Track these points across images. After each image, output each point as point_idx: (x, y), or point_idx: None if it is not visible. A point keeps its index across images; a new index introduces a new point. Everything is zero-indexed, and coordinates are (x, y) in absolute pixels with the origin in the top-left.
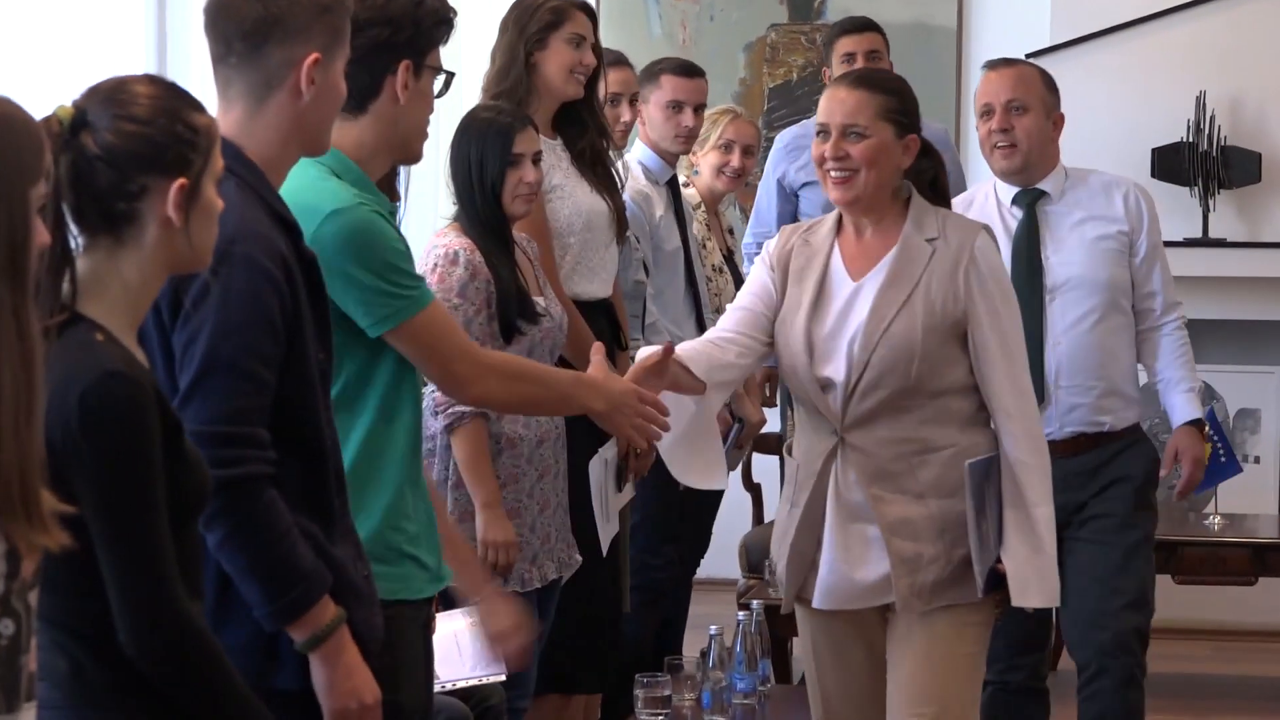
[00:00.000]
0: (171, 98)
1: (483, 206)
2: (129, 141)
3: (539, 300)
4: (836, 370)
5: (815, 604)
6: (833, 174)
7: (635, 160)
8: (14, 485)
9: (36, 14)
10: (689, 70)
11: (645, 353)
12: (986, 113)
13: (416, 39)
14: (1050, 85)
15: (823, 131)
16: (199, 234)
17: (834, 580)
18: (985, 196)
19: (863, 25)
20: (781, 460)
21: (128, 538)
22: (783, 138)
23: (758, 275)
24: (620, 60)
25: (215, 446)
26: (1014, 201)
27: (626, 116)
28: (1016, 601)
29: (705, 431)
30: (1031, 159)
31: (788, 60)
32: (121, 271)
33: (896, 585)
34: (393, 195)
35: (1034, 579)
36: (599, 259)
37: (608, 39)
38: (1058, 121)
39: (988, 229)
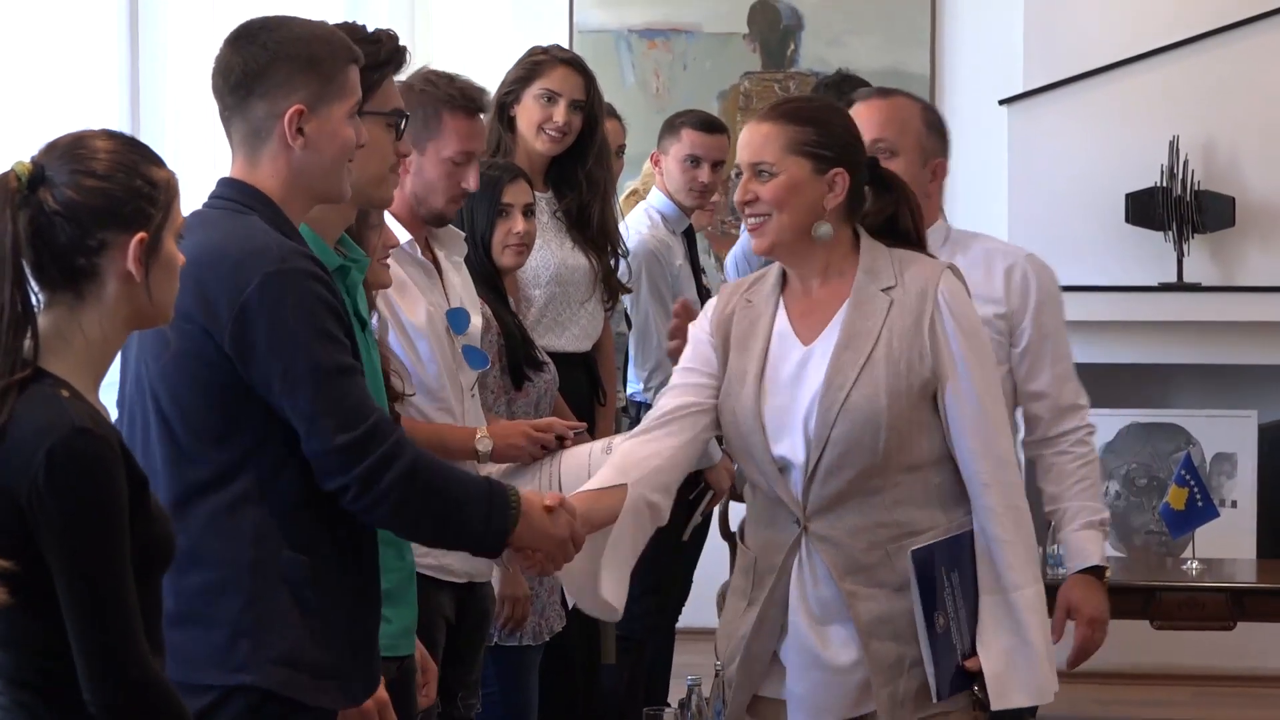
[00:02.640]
0: (130, 152)
1: (475, 257)
2: (88, 196)
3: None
4: (793, 450)
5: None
6: (748, 220)
7: (653, 209)
8: None
9: (7, 65)
10: (710, 126)
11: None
12: (738, 174)
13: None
14: (933, 125)
15: (738, 174)
16: (159, 288)
17: (803, 690)
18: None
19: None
20: (734, 535)
21: (94, 594)
22: None
23: (696, 343)
24: (610, 113)
25: (359, 455)
26: None
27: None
28: (996, 704)
29: (618, 541)
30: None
31: (761, 108)
32: (83, 327)
33: (877, 694)
34: (365, 246)
35: (1019, 674)
36: (570, 314)
37: None
38: (937, 171)
39: (952, 267)
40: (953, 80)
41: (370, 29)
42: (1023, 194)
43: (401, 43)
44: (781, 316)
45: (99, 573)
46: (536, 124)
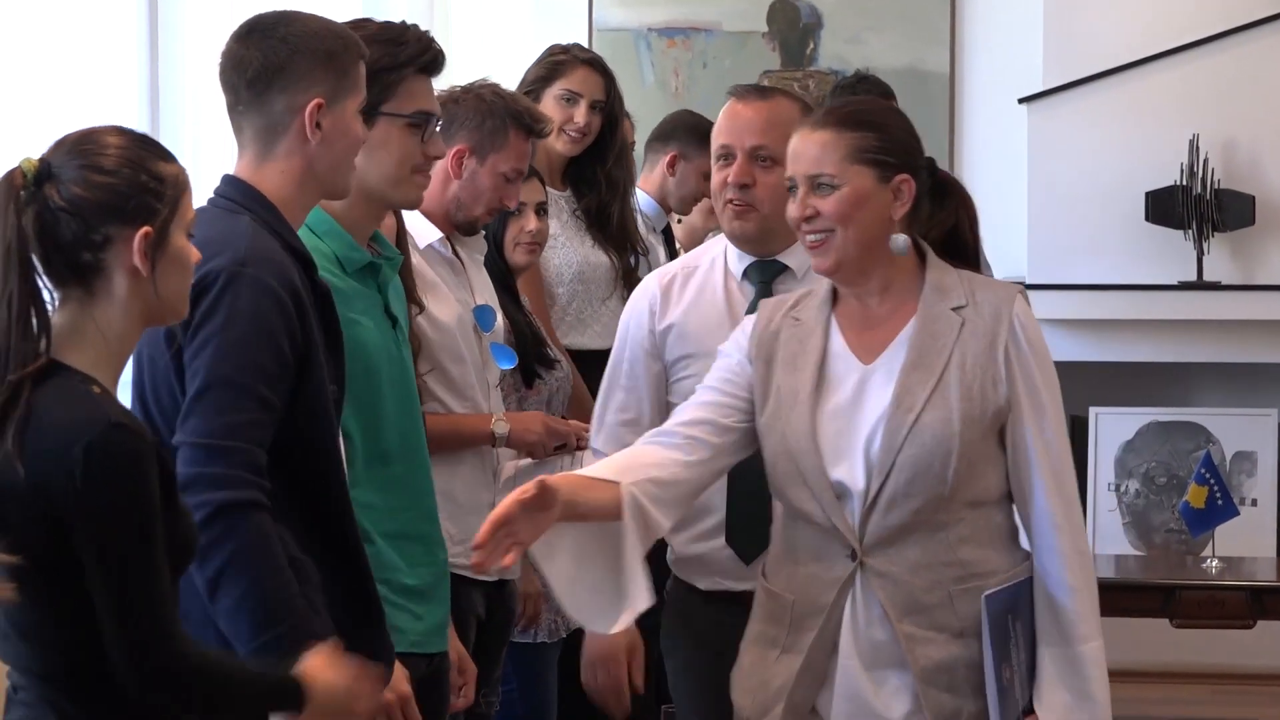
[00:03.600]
0: (137, 147)
1: (488, 256)
2: (92, 192)
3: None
4: (851, 475)
5: None
6: (807, 238)
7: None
8: None
9: (28, 63)
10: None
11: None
12: (724, 157)
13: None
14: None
15: (791, 187)
16: (167, 283)
17: None
18: (711, 263)
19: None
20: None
21: (132, 587)
22: None
23: (730, 365)
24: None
25: (208, 460)
26: (745, 274)
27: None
28: None
29: (615, 553)
30: (771, 223)
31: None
32: (98, 323)
33: None
34: (402, 246)
35: None
36: (592, 312)
37: None
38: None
39: (1023, 291)
40: (972, 79)
41: (401, 28)
42: (1042, 193)
43: (433, 45)
44: (836, 335)
45: (137, 565)
46: (557, 125)
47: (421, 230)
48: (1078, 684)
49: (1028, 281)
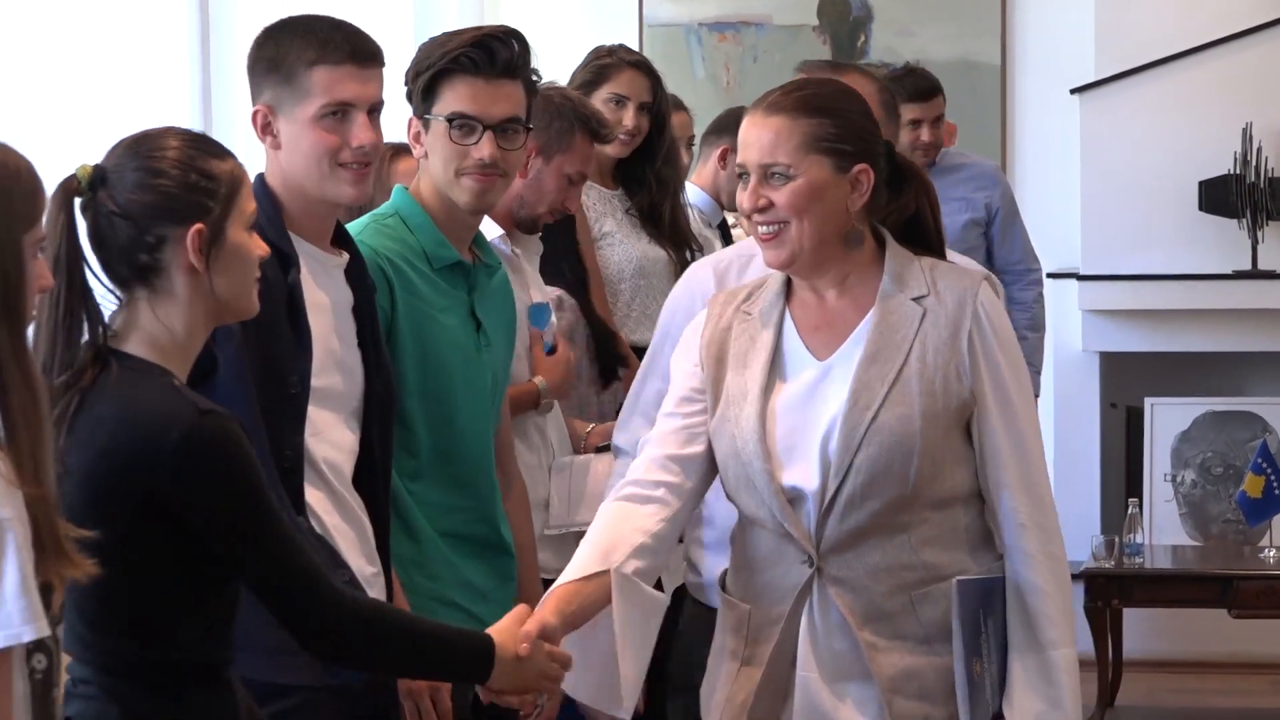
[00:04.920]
0: (190, 147)
1: (564, 258)
2: (143, 194)
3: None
4: (806, 477)
5: None
6: (759, 230)
7: (689, 203)
8: (39, 522)
9: (83, 65)
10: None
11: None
12: (742, 176)
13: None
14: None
15: (742, 174)
16: (224, 280)
17: None
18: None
19: (928, 91)
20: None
21: (270, 551)
22: None
23: (681, 375)
24: (677, 105)
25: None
26: None
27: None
28: None
29: (616, 643)
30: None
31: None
32: (164, 321)
33: None
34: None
35: None
36: (655, 306)
37: None
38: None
39: (989, 277)
40: (1024, 69)
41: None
42: (1095, 183)
43: (469, 47)
44: (790, 330)
45: (267, 530)
46: None
47: (483, 226)
48: (1048, 691)
49: (1081, 272)
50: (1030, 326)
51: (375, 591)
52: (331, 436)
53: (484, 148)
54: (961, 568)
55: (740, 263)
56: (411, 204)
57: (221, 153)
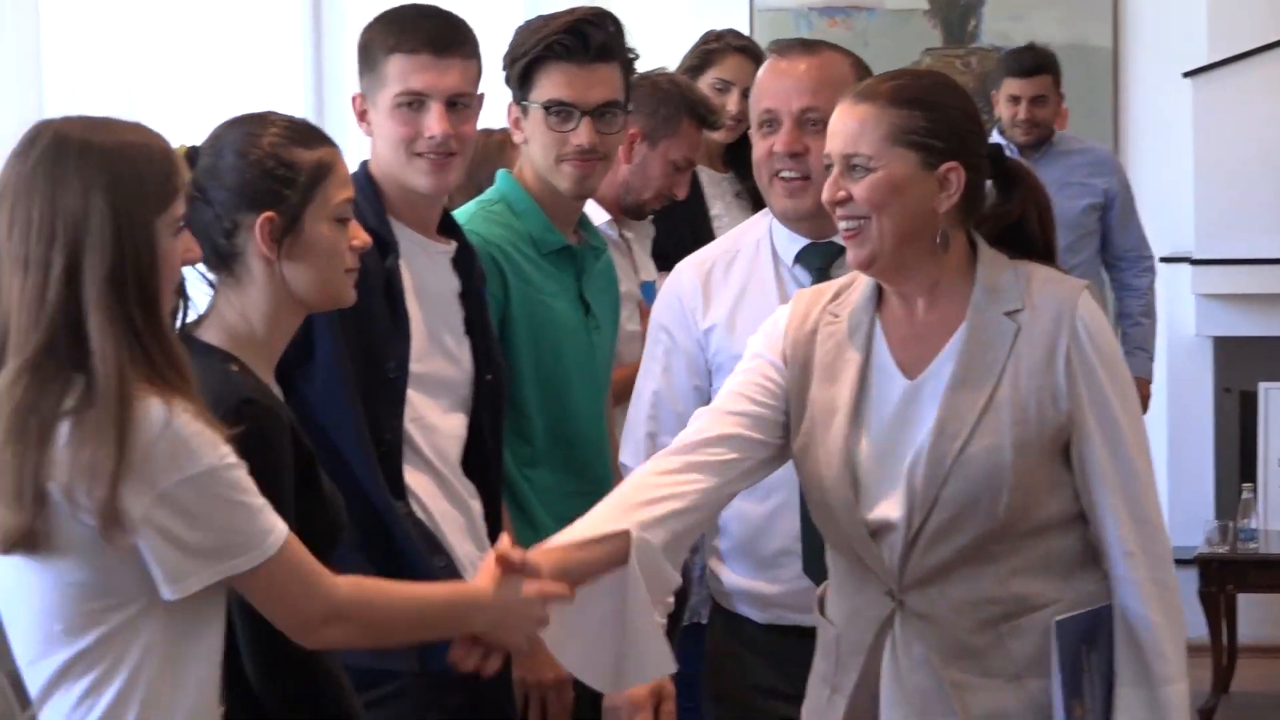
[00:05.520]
0: (278, 134)
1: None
2: (221, 178)
3: None
4: (892, 509)
5: None
6: (840, 225)
7: None
8: None
9: (200, 55)
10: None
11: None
12: (768, 123)
13: None
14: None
15: (828, 165)
16: (298, 270)
17: None
18: (755, 246)
19: (1030, 68)
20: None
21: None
22: None
23: (763, 369)
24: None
25: None
26: (798, 259)
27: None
28: None
29: (626, 612)
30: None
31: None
32: (243, 307)
33: None
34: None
35: None
36: None
37: None
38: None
39: (1089, 286)
40: (1136, 53)
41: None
42: (1208, 167)
43: (563, 33)
44: (879, 342)
45: None
46: None
47: (591, 212)
48: None
49: (1194, 257)
50: (1145, 313)
51: None
52: (437, 422)
53: (582, 134)
54: (1053, 596)
55: (725, 262)
56: (517, 189)
57: (312, 141)
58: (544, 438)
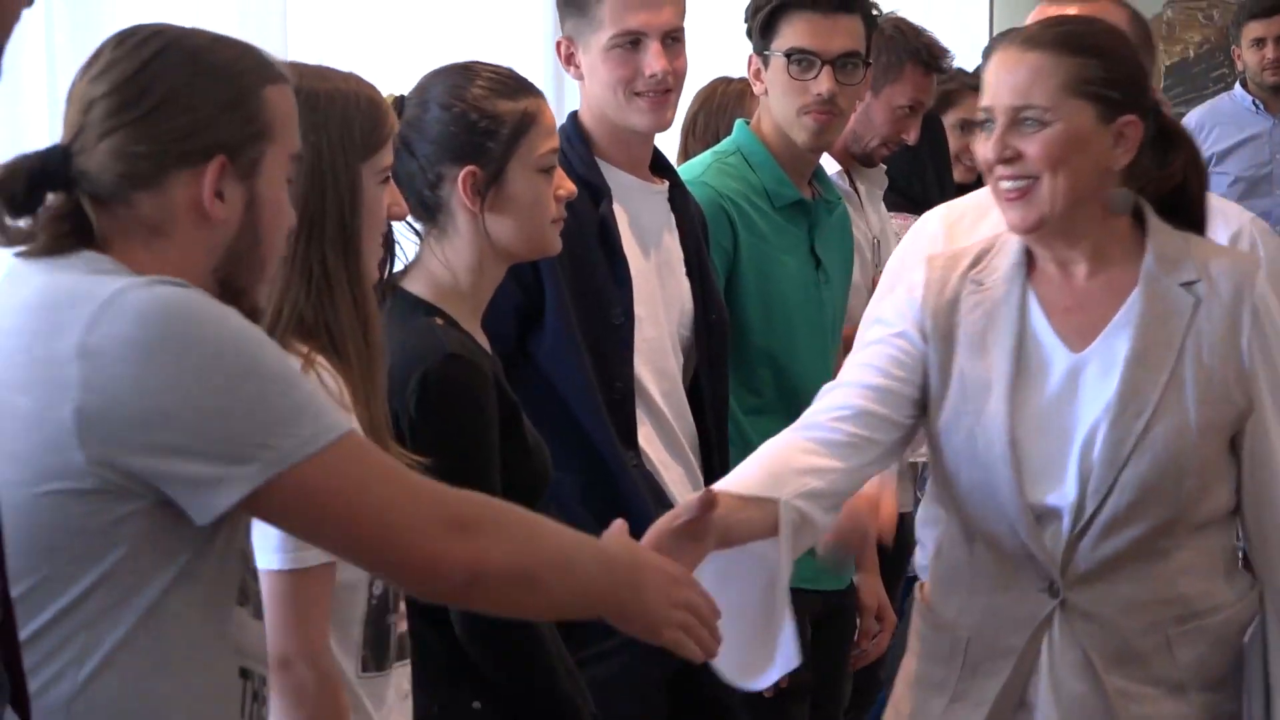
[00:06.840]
0: (483, 85)
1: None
2: (425, 130)
3: None
4: (1057, 492)
5: None
6: (1002, 185)
7: None
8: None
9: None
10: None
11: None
12: (986, 123)
13: None
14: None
15: (987, 121)
16: (502, 222)
17: None
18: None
19: (1274, 6)
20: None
21: None
22: (1189, 120)
23: (897, 340)
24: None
25: None
26: None
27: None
28: None
29: (767, 594)
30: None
31: (1184, 37)
32: (444, 258)
33: None
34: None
35: None
36: None
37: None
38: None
39: (1260, 263)
40: None
41: None
42: None
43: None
44: (1035, 311)
45: (473, 483)
46: (953, 154)
47: (822, 163)
48: None
49: None
50: None
51: None
52: (657, 365)
53: (823, 82)
54: (1219, 600)
55: (975, 214)
56: (753, 141)
57: (517, 93)
58: (771, 390)
